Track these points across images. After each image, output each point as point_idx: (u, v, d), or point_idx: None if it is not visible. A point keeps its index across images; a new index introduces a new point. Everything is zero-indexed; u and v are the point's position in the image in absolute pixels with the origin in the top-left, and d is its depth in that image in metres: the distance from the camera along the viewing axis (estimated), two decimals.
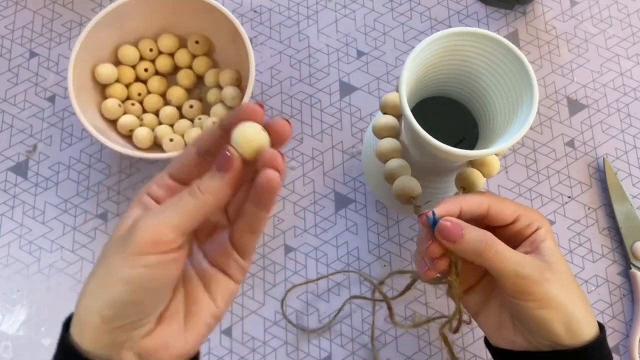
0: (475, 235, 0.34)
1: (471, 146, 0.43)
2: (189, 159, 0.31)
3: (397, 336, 0.50)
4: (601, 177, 0.54)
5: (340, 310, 0.50)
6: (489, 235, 0.34)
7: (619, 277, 0.52)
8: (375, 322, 0.50)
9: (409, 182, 0.40)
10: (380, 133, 0.42)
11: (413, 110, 0.42)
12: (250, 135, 0.27)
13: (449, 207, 0.36)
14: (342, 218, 0.53)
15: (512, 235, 0.37)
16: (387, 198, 0.48)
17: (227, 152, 0.28)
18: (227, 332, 0.50)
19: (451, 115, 0.45)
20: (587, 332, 0.35)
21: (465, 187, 0.40)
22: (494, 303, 0.38)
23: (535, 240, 0.36)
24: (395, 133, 0.42)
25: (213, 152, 0.30)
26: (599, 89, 0.57)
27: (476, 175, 0.39)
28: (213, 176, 0.28)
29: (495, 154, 0.39)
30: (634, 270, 0.51)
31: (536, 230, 0.37)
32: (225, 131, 0.29)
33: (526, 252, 0.36)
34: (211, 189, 0.28)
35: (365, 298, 0.50)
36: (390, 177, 0.41)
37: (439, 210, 0.35)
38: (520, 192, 0.54)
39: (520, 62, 0.37)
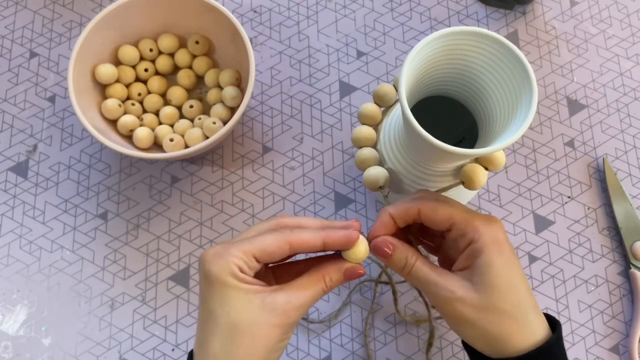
0: (399, 256, 0.37)
1: (471, 145, 0.43)
2: (280, 255, 0.35)
3: (397, 336, 0.50)
4: (601, 177, 0.54)
5: (348, 296, 0.50)
6: (410, 254, 0.37)
7: (619, 277, 0.52)
8: (375, 322, 0.50)
9: (377, 172, 0.42)
10: (362, 119, 0.45)
11: (412, 110, 0.43)
12: (361, 254, 0.37)
13: (382, 220, 0.38)
14: (342, 218, 0.53)
15: (452, 247, 0.38)
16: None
17: (360, 271, 0.37)
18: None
19: (450, 114, 0.45)
20: (518, 344, 0.35)
21: (466, 182, 0.40)
22: None
23: (470, 255, 0.36)
24: (372, 143, 0.44)
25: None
26: (599, 89, 0.57)
27: (479, 171, 0.40)
28: (340, 278, 0.36)
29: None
30: (633, 270, 0.51)
31: (470, 243, 0.36)
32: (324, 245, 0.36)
33: (463, 268, 0.36)
34: (335, 284, 0.36)
35: (371, 280, 0.50)
36: (361, 166, 0.43)
37: (374, 228, 0.38)
38: (520, 192, 0.54)
39: (519, 61, 0.37)
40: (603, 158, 0.54)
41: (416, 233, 0.41)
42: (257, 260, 0.35)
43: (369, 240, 0.38)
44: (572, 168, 0.55)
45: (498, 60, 0.38)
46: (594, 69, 0.58)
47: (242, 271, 0.34)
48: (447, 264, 0.40)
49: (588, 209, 0.54)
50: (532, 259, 0.52)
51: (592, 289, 0.52)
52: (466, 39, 0.38)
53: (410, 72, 0.37)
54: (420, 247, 0.42)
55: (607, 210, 0.54)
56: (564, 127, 0.56)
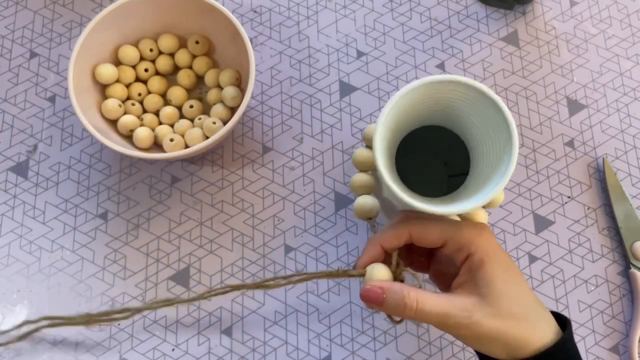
0: (394, 299, 0.35)
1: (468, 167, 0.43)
2: None
3: (397, 336, 0.50)
4: (601, 177, 0.54)
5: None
6: (406, 292, 0.34)
7: (619, 277, 0.52)
8: (375, 322, 0.50)
9: (368, 202, 0.41)
10: (358, 166, 0.44)
11: (415, 133, 0.42)
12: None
13: (370, 252, 0.36)
14: (342, 218, 0.53)
15: (448, 262, 0.38)
16: (387, 206, 0.48)
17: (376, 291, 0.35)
18: (227, 332, 0.50)
19: (445, 141, 0.44)
20: (534, 344, 0.35)
21: (465, 218, 0.39)
22: None
23: (470, 268, 0.36)
24: (373, 168, 0.43)
25: None
26: (599, 89, 0.57)
27: (480, 214, 0.39)
28: None
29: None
30: (633, 270, 0.51)
31: (468, 256, 0.36)
32: None
33: (464, 281, 0.36)
34: None
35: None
36: (354, 191, 0.42)
37: (361, 260, 0.37)
38: (520, 192, 0.54)
39: (500, 112, 0.35)
40: (603, 158, 0.54)
41: (404, 254, 0.40)
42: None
43: (358, 266, 0.38)
44: (572, 168, 0.55)
45: (481, 107, 0.37)
46: (594, 69, 0.58)
47: None
48: (440, 278, 0.41)
49: (588, 209, 0.54)
50: (532, 259, 0.52)
51: (592, 289, 0.52)
52: (445, 87, 0.37)
53: (388, 124, 0.36)
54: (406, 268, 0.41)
55: (607, 210, 0.54)
56: (564, 127, 0.56)
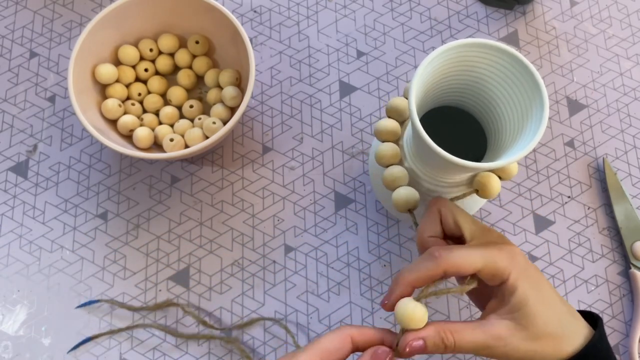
0: (433, 343, 0.35)
1: (480, 155, 0.43)
2: (343, 351, 0.35)
3: None
4: (601, 177, 0.54)
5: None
6: (442, 333, 0.35)
7: (619, 277, 0.52)
8: (376, 322, 0.50)
9: (409, 194, 0.40)
10: (381, 136, 0.42)
11: (421, 120, 0.42)
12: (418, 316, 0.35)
13: (402, 293, 0.36)
14: (342, 218, 0.53)
15: (484, 286, 0.38)
16: (390, 202, 0.48)
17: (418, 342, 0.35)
18: (227, 332, 0.50)
19: (460, 125, 0.44)
20: (568, 348, 0.36)
21: (481, 190, 0.40)
22: None
23: (504, 293, 0.36)
24: (396, 138, 0.42)
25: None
26: (599, 89, 0.57)
27: (493, 180, 0.39)
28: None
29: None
30: (633, 270, 0.51)
31: (503, 283, 0.36)
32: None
33: (497, 306, 0.36)
34: None
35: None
36: (390, 185, 0.41)
37: (390, 301, 0.36)
38: (520, 192, 0.54)
39: (530, 74, 0.36)
40: (603, 158, 0.54)
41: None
42: None
43: (388, 306, 0.37)
44: (572, 168, 0.55)
45: (509, 72, 0.37)
46: (594, 69, 0.58)
47: None
48: (475, 295, 0.41)
49: (588, 209, 0.54)
50: (532, 259, 0.52)
51: (592, 289, 0.52)
52: (477, 51, 0.37)
53: (421, 84, 0.36)
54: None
55: (607, 210, 0.54)
56: (564, 127, 0.56)
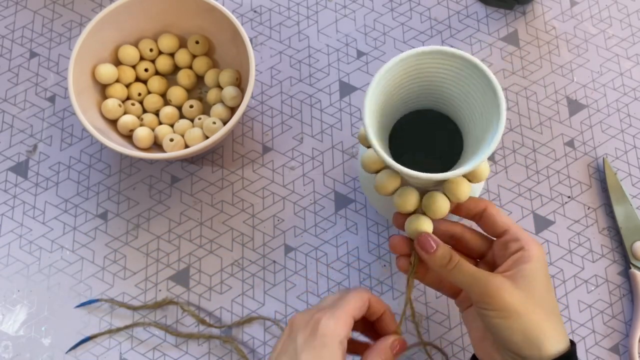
0: (441, 252, 0.38)
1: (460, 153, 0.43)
2: (362, 312, 0.39)
3: None
4: (601, 177, 0.54)
5: None
6: (453, 253, 0.38)
7: (619, 277, 0.52)
8: None
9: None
10: (366, 142, 0.42)
11: (400, 122, 0.42)
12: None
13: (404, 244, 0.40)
14: (342, 218, 0.53)
15: (499, 249, 0.40)
16: (384, 207, 0.48)
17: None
18: (227, 332, 0.50)
19: (439, 125, 0.44)
20: (552, 346, 0.36)
21: (449, 194, 0.39)
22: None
23: (518, 260, 0.38)
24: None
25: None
26: (599, 89, 0.57)
27: (463, 185, 0.39)
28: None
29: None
30: (633, 270, 0.51)
31: (521, 249, 0.38)
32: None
33: (505, 270, 0.38)
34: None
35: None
36: (381, 189, 0.40)
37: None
38: (520, 192, 0.54)
39: (484, 75, 0.36)
40: (603, 158, 0.54)
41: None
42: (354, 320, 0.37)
43: (391, 246, 0.41)
44: (572, 168, 0.55)
45: (466, 75, 0.37)
46: (594, 69, 0.58)
47: (346, 338, 0.36)
48: (463, 300, 0.43)
49: (588, 209, 0.54)
50: None
51: (592, 289, 0.52)
52: (429, 59, 0.37)
53: (374, 100, 0.36)
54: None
55: (607, 210, 0.54)
56: (564, 127, 0.56)
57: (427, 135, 0.45)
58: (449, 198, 0.39)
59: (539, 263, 0.38)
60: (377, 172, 0.41)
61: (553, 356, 0.36)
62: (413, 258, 0.40)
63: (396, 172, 0.40)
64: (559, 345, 0.36)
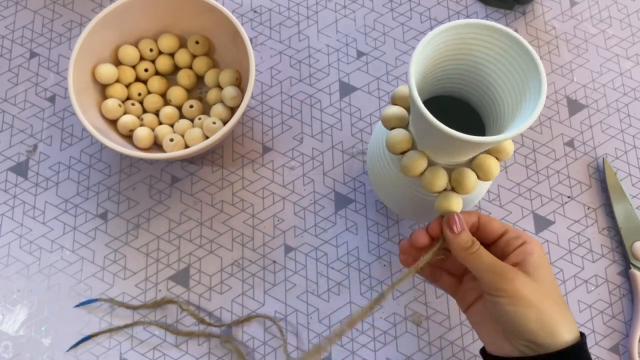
0: (466, 235, 0.39)
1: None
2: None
3: (397, 336, 0.50)
4: (601, 177, 0.54)
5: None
6: (475, 239, 0.40)
7: (619, 277, 0.52)
8: (375, 322, 0.50)
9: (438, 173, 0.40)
10: (390, 123, 0.42)
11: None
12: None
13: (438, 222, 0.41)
14: (342, 218, 0.53)
15: (502, 249, 0.41)
16: (392, 201, 0.48)
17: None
18: (227, 332, 0.50)
19: (456, 114, 0.45)
20: (566, 334, 0.37)
21: (479, 172, 0.40)
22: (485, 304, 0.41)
23: (523, 252, 0.39)
24: (404, 124, 0.42)
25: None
26: (599, 89, 0.57)
27: (492, 161, 0.39)
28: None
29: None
30: (633, 270, 0.51)
31: (523, 243, 0.40)
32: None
33: (514, 264, 0.39)
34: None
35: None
36: (409, 170, 0.40)
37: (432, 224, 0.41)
38: (520, 192, 0.54)
39: (526, 52, 0.36)
40: (603, 158, 0.54)
41: (438, 261, 0.44)
42: None
43: (401, 252, 0.42)
44: (572, 168, 0.55)
45: (506, 54, 0.38)
46: (594, 69, 0.58)
47: None
48: (463, 298, 0.44)
49: (588, 209, 0.54)
50: None
51: (592, 289, 0.52)
52: (472, 32, 0.37)
53: (419, 64, 0.37)
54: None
55: (607, 210, 0.54)
56: (564, 127, 0.56)
57: (443, 121, 0.45)
58: (478, 175, 0.40)
59: (542, 257, 0.39)
60: (403, 153, 0.41)
61: (566, 344, 0.36)
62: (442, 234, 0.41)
63: (422, 153, 0.40)
64: (571, 334, 0.37)
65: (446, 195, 0.40)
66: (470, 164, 0.41)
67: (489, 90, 0.41)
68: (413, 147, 0.41)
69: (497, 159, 0.40)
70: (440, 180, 0.39)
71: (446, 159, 0.40)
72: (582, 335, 0.38)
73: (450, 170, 0.40)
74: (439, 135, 0.35)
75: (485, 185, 0.47)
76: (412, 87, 0.35)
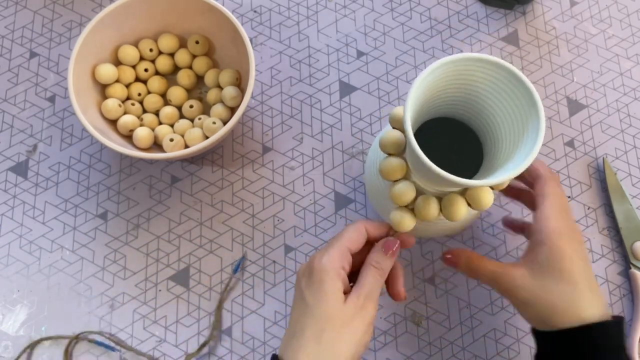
0: (466, 256, 0.43)
1: (476, 164, 0.43)
2: (361, 241, 0.41)
3: (397, 336, 0.50)
4: (601, 177, 0.54)
5: None
6: (469, 254, 0.43)
7: (619, 277, 0.52)
8: (375, 322, 0.50)
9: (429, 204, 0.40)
10: (386, 149, 0.42)
11: (420, 129, 0.42)
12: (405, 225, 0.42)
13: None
14: (342, 218, 0.53)
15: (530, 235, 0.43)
16: (386, 215, 0.48)
17: (400, 242, 0.42)
18: (227, 332, 0.50)
19: (456, 134, 0.44)
20: (562, 323, 0.39)
21: (472, 202, 0.39)
22: None
23: (534, 242, 0.41)
24: (400, 150, 0.42)
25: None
26: (599, 89, 0.57)
27: (482, 192, 0.39)
28: (381, 255, 0.40)
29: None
30: (633, 270, 0.51)
31: (537, 232, 0.41)
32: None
33: (525, 258, 0.42)
34: (383, 264, 0.40)
35: None
36: (398, 199, 0.41)
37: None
38: None
39: (526, 90, 0.36)
40: (603, 158, 0.54)
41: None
42: (350, 252, 0.40)
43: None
44: (572, 168, 0.55)
45: (507, 88, 0.37)
46: (594, 69, 0.58)
47: (343, 269, 0.39)
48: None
49: (588, 209, 0.54)
50: None
51: None
52: (474, 66, 0.37)
53: (416, 100, 0.36)
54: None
55: (607, 210, 0.54)
56: (564, 127, 0.56)
57: (443, 141, 0.45)
58: (470, 205, 0.40)
59: (553, 241, 0.40)
60: (396, 181, 0.41)
61: (582, 322, 0.38)
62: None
63: (413, 183, 0.40)
64: (572, 320, 0.38)
65: (402, 214, 0.41)
66: (463, 191, 0.40)
67: (490, 120, 0.41)
68: (406, 176, 0.41)
69: (491, 188, 0.40)
70: (432, 210, 0.40)
71: (438, 189, 0.41)
72: (596, 325, 0.38)
73: (440, 197, 0.41)
74: (431, 173, 0.35)
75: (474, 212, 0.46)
76: (408, 131, 0.35)
